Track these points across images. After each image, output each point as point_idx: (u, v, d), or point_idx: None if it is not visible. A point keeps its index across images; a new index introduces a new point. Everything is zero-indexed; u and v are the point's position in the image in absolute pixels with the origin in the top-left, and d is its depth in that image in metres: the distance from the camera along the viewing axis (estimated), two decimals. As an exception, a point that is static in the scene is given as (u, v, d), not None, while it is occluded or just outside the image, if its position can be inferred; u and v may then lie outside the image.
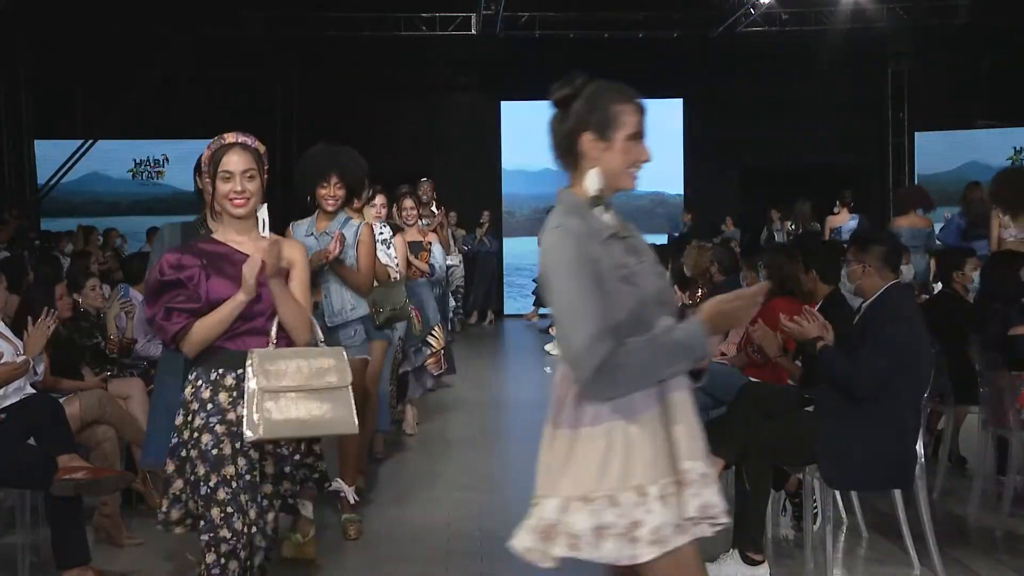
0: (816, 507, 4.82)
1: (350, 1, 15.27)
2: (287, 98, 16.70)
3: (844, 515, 5.15)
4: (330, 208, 5.00)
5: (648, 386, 2.57)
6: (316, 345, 3.39)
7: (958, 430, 6.30)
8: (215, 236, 3.38)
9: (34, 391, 4.99)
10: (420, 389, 7.72)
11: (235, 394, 3.21)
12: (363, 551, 5.04)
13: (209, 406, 3.20)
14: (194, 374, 3.27)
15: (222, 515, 3.13)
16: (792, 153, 16.65)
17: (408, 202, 7.52)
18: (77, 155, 16.26)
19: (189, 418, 3.23)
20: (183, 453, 3.22)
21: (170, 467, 3.25)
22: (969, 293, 6.38)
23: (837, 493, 4.65)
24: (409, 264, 7.07)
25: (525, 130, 17.56)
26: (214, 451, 3.16)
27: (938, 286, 7.24)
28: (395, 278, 6.15)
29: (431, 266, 7.43)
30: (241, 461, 3.18)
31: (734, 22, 15.64)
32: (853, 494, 5.09)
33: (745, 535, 4.51)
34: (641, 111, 2.71)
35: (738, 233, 14.87)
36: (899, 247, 5.29)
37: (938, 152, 16.53)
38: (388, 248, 6.31)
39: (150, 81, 15.47)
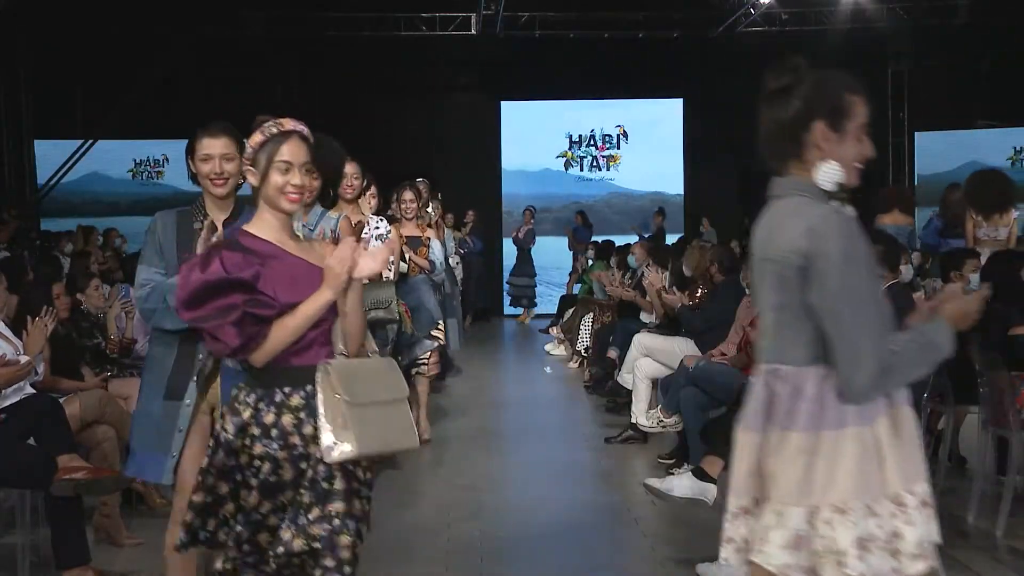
0: (816, 507, 4.80)
1: (350, 1, 15.28)
2: (287, 98, 16.67)
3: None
4: (305, 200, 4.71)
5: (903, 386, 2.49)
6: (368, 355, 3.15)
7: (958, 430, 6.30)
8: (252, 231, 2.98)
9: (34, 391, 4.99)
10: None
11: (302, 415, 2.87)
12: (362, 552, 5.03)
13: (273, 431, 2.87)
14: (253, 396, 2.91)
15: (269, 540, 2.88)
16: (792, 153, 16.63)
17: (408, 194, 7.29)
18: (77, 155, 16.27)
19: (247, 442, 2.89)
20: (238, 477, 2.92)
21: (223, 488, 2.93)
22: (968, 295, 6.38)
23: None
24: (408, 260, 7.00)
25: (525, 130, 17.61)
26: (272, 478, 2.88)
27: (936, 283, 7.26)
28: (387, 278, 5.97)
29: (431, 262, 7.30)
30: (303, 483, 2.87)
31: (734, 22, 15.65)
32: (853, 494, 5.08)
33: (745, 535, 4.50)
34: (867, 103, 2.54)
35: (715, 234, 14.83)
36: (897, 246, 5.30)
37: (938, 152, 16.52)
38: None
39: (150, 81, 15.48)
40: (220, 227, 3.59)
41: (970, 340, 5.63)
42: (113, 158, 17.34)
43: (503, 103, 17.50)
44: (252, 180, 2.98)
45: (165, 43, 15.23)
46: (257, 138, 2.97)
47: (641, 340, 7.60)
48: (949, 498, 5.73)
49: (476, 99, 17.53)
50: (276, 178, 2.94)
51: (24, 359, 4.83)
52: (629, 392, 7.67)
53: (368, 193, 6.27)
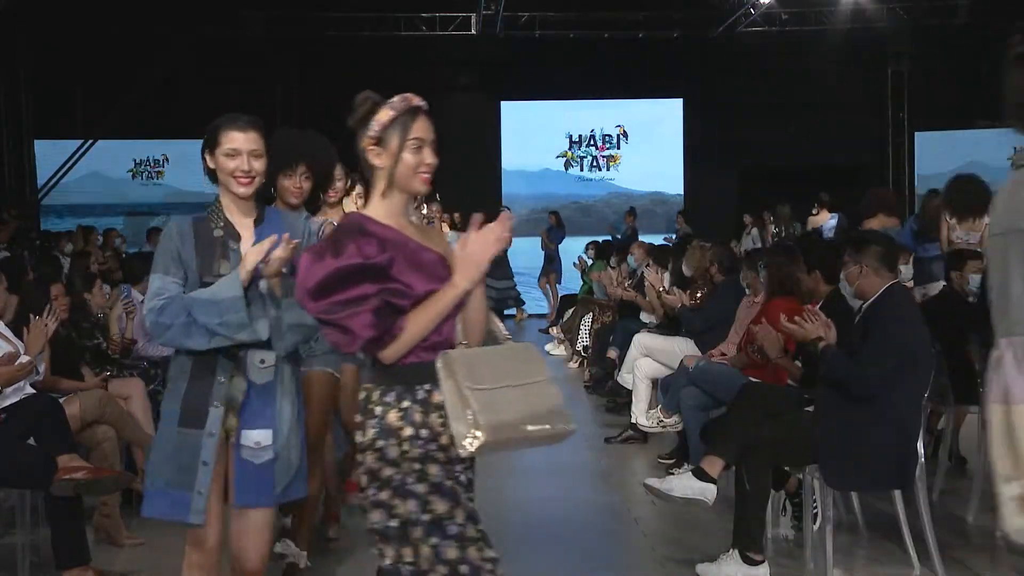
0: (816, 507, 4.82)
1: (350, 1, 15.30)
2: (287, 98, 16.71)
3: (844, 515, 5.15)
4: (294, 201, 4.26)
5: None
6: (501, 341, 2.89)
7: (958, 430, 6.30)
8: (375, 217, 2.70)
9: (34, 391, 4.99)
10: None
11: (445, 412, 2.60)
12: (362, 552, 5.03)
13: (424, 431, 2.60)
14: (392, 394, 2.63)
15: (480, 556, 2.59)
16: (792, 153, 16.66)
17: None
18: (77, 155, 16.29)
19: (405, 448, 2.60)
20: (412, 499, 2.61)
21: (402, 508, 2.59)
22: (970, 296, 6.38)
23: (837, 493, 4.65)
24: None
25: (525, 130, 17.62)
26: (448, 482, 2.60)
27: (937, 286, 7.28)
28: None
29: None
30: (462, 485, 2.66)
31: (734, 22, 15.67)
32: (853, 494, 5.09)
33: (745, 535, 4.51)
34: None
35: (689, 231, 14.82)
36: (896, 246, 5.28)
37: (938, 152, 16.54)
38: None
39: (150, 81, 15.50)
40: (246, 233, 3.28)
41: (970, 340, 5.63)
42: (113, 158, 17.36)
43: (503, 103, 17.52)
44: (378, 161, 2.71)
45: (165, 43, 15.25)
46: (387, 114, 2.71)
47: (641, 340, 7.60)
48: (949, 498, 5.74)
49: (476, 99, 17.54)
50: (409, 158, 2.72)
51: (24, 359, 4.84)
52: (629, 392, 7.67)
53: (355, 192, 6.19)
